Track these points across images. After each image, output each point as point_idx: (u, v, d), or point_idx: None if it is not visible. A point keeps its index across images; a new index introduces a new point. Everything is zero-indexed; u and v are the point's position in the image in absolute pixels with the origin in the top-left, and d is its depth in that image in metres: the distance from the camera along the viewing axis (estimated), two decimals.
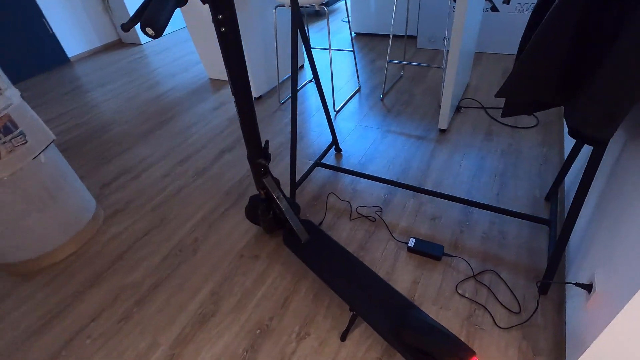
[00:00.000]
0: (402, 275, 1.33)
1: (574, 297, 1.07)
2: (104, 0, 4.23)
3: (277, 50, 2.46)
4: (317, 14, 4.53)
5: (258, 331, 1.21)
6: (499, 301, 1.21)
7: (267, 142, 1.20)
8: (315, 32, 3.93)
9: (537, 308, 1.16)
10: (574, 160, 1.31)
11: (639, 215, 0.78)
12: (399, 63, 2.91)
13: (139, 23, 0.72)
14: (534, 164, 1.75)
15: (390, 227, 1.52)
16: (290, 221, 1.29)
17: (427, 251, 1.37)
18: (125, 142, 2.39)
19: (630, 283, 0.73)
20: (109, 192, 1.95)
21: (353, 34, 3.75)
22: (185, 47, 4.08)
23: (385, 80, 2.59)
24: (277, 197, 1.27)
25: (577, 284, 0.95)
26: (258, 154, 1.18)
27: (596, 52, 0.75)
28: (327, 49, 3.37)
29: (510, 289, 1.23)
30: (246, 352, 1.15)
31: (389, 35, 3.56)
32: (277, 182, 1.28)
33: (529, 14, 2.66)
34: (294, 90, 1.47)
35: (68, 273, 1.51)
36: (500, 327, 1.13)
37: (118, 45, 4.53)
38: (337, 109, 2.42)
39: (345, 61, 3.13)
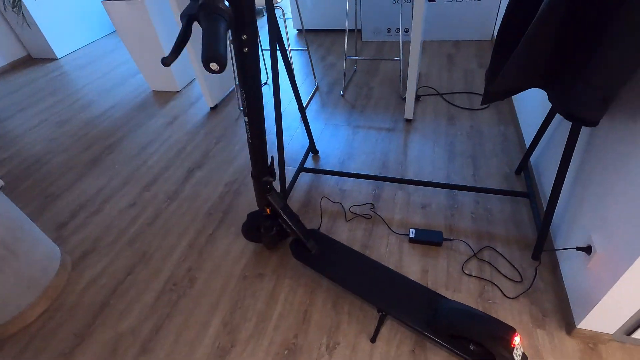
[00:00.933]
0: (411, 267, 1.38)
1: (567, 260, 1.20)
2: (14, 9, 3.66)
3: (232, 55, 2.35)
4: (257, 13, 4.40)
5: (286, 352, 1.17)
6: (502, 274, 1.31)
7: (272, 158, 1.15)
8: None
9: (535, 275, 1.29)
10: (541, 137, 1.46)
11: (627, 183, 0.90)
12: (355, 59, 2.96)
13: (203, 60, 0.63)
14: (496, 142, 1.91)
15: (387, 221, 1.56)
16: (300, 234, 1.26)
17: (428, 239, 1.44)
18: (71, 173, 2.12)
19: (636, 241, 0.84)
20: (68, 234, 1.72)
21: (295, 31, 3.72)
22: (114, 58, 3.71)
23: (344, 77, 2.62)
24: (284, 212, 1.23)
25: (578, 248, 1.07)
26: (264, 171, 1.13)
27: (585, 43, 0.83)
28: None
29: (508, 261, 1.34)
30: None
31: (332, 31, 3.59)
32: (280, 196, 1.24)
33: (465, 2, 2.86)
34: (277, 98, 1.41)
35: (45, 334, 1.31)
36: (509, 298, 1.24)
37: (28, 62, 3.97)
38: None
39: (295, 60, 3.10)
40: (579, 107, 0.87)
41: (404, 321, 1.09)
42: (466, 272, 1.33)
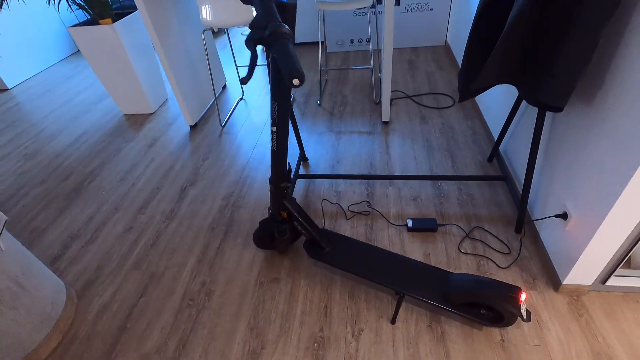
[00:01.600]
0: (414, 253, 1.51)
1: (546, 229, 1.39)
2: None
3: (210, 71, 2.40)
4: (219, 31, 4.44)
5: (315, 345, 1.25)
6: (493, 249, 1.48)
7: (289, 164, 1.23)
8: (220, 50, 3.88)
9: (521, 246, 1.48)
10: (508, 127, 1.67)
11: (587, 154, 1.10)
12: (327, 69, 3.11)
13: (286, 77, 0.73)
14: (467, 135, 2.13)
15: (384, 215, 1.70)
16: (315, 234, 1.35)
17: (424, 226, 1.58)
18: (53, 205, 2.05)
19: (603, 202, 1.03)
20: (65, 266, 1.67)
21: (260, 47, 3.82)
22: (74, 84, 3.57)
23: (320, 86, 2.75)
24: (300, 215, 1.31)
25: (556, 215, 1.26)
26: (283, 178, 1.21)
27: (549, 44, 1.02)
28: (262, 65, 3.38)
29: (496, 237, 1.53)
30: None
31: (298, 44, 3.73)
32: (294, 200, 1.33)
33: (418, 12, 3.13)
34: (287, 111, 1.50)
35: None
36: (503, 268, 1.41)
37: None
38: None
39: (260, 75, 3.20)
40: (547, 97, 1.06)
41: (422, 298, 1.21)
42: (462, 251, 1.49)
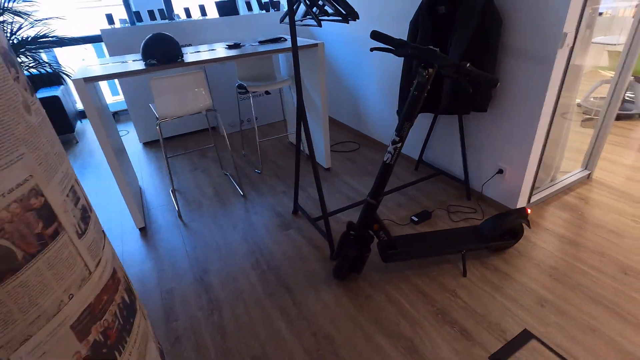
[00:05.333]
0: None
1: (488, 187, 2.23)
2: None
3: (168, 167, 2.28)
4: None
5: (439, 316, 1.55)
6: (466, 212, 2.20)
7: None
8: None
9: (479, 204, 2.26)
10: (427, 142, 2.53)
11: (496, 127, 2.00)
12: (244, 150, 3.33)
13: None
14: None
15: (392, 221, 2.16)
16: (392, 237, 1.68)
17: (424, 217, 2.15)
18: None
19: (523, 154, 1.91)
20: None
21: (140, 145, 3.65)
22: None
23: (259, 158, 2.99)
24: (383, 225, 1.62)
25: (496, 173, 2.09)
26: (381, 192, 1.51)
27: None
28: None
29: (463, 206, 2.26)
30: (440, 315, 1.49)
31: (183, 135, 3.79)
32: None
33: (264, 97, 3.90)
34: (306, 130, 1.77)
35: None
36: (479, 220, 2.13)
37: None
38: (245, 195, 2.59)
39: (156, 179, 3.13)
40: (480, 106, 1.90)
41: (477, 247, 1.74)
42: (455, 220, 2.14)
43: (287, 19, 1.83)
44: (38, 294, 0.45)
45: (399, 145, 1.42)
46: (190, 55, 2.25)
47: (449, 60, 1.26)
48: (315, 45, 2.33)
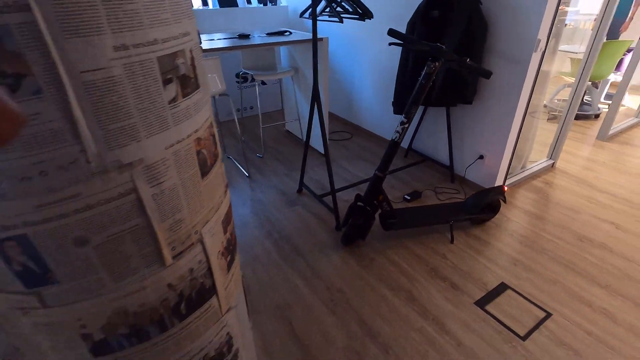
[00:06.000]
0: None
1: (470, 171, 2.56)
2: None
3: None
4: None
5: (433, 273, 1.83)
6: (451, 193, 2.52)
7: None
8: None
9: (462, 186, 2.58)
10: (419, 127, 2.83)
11: (477, 119, 2.32)
12: (276, 125, 3.49)
13: None
14: (384, 146, 3.19)
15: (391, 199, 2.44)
16: (392, 208, 1.94)
17: (415, 196, 2.45)
18: None
19: (500, 142, 2.24)
20: None
21: None
22: None
23: (262, 142, 3.17)
24: (386, 196, 1.89)
25: (478, 158, 2.42)
26: (388, 167, 1.77)
27: (451, 84, 2.17)
28: None
29: (448, 188, 2.58)
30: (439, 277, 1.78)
31: None
32: None
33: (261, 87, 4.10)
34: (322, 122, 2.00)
35: None
36: (462, 199, 2.45)
37: None
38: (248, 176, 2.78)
39: None
40: (467, 98, 2.20)
41: (462, 219, 2.05)
42: (441, 199, 2.45)
43: (306, 14, 2.03)
44: (213, 191, 0.67)
45: (407, 125, 1.69)
46: (205, 42, 2.42)
47: (454, 56, 1.54)
48: (321, 39, 2.56)
